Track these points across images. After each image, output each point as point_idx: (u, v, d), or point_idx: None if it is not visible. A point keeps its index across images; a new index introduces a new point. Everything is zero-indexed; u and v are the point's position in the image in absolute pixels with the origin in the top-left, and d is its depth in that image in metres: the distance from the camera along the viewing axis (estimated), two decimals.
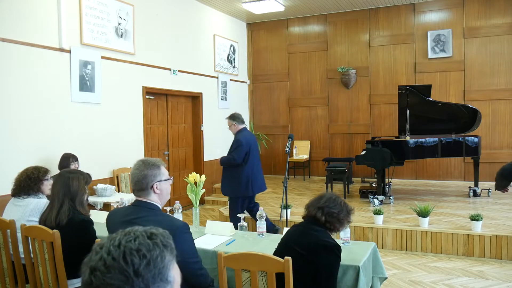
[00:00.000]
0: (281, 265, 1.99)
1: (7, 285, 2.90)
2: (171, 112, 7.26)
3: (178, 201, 3.54)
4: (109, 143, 5.69)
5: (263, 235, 3.14)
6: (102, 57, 5.50)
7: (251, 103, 9.87)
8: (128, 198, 4.49)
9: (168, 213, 2.55)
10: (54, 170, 4.24)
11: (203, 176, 3.55)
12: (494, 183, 3.69)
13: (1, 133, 4.30)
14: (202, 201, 7.65)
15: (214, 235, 3.20)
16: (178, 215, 3.42)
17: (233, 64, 9.11)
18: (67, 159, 4.61)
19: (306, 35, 9.36)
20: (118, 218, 2.20)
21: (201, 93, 7.86)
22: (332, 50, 9.12)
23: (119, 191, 5.62)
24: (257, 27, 9.74)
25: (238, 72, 9.35)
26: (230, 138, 8.93)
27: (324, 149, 9.24)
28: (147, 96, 6.48)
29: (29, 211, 2.98)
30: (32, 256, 2.70)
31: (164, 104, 7.07)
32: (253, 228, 5.04)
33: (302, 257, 2.22)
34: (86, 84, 5.26)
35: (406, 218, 5.39)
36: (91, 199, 4.77)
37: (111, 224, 2.26)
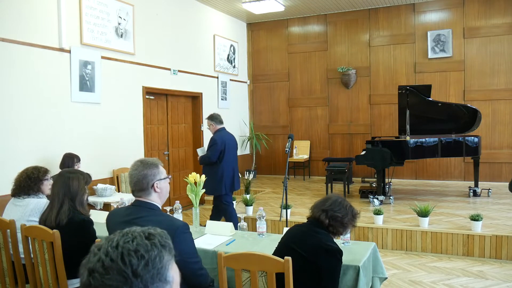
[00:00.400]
0: (281, 265, 1.99)
1: (7, 285, 2.90)
2: (171, 112, 7.26)
3: (178, 201, 3.54)
4: (109, 143, 5.69)
5: (263, 235, 3.14)
6: (102, 57, 5.50)
7: (251, 103, 9.87)
8: (128, 198, 4.49)
9: (168, 213, 2.55)
10: (55, 170, 4.24)
11: (203, 176, 3.55)
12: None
13: (1, 133, 4.30)
14: (202, 201, 7.64)
15: (214, 235, 3.20)
16: (178, 215, 3.42)
17: (233, 64, 9.11)
18: (71, 159, 4.59)
19: (306, 35, 9.36)
20: (118, 218, 2.20)
21: (201, 93, 7.86)
22: (332, 50, 9.12)
23: (119, 191, 5.62)
24: (257, 27, 9.75)
25: (238, 72, 9.35)
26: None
27: (324, 149, 9.25)
28: (147, 96, 6.48)
29: (29, 211, 2.98)
30: (32, 256, 2.70)
31: (164, 104, 7.07)
32: (253, 228, 5.04)
33: (303, 258, 2.20)
34: (86, 84, 5.26)
35: (406, 218, 5.39)
36: (91, 199, 4.76)
37: (111, 224, 2.26)
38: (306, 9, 8.80)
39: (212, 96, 8.27)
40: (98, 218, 3.25)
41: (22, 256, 2.80)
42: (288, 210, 5.18)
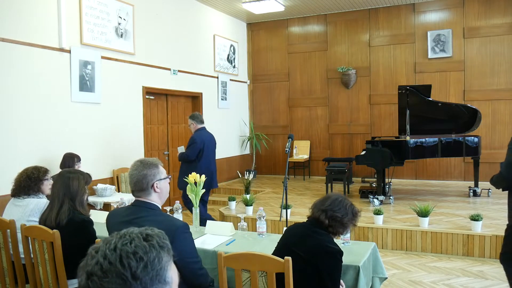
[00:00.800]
0: (281, 265, 1.99)
1: (7, 285, 2.90)
2: (171, 112, 7.26)
3: (178, 201, 3.55)
4: (109, 143, 5.69)
5: (263, 235, 3.14)
6: (102, 57, 5.50)
7: (251, 103, 9.87)
8: (128, 198, 4.49)
9: (168, 213, 2.55)
10: (55, 170, 4.24)
11: (203, 176, 3.55)
12: None
13: (1, 133, 4.30)
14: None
15: (214, 235, 3.20)
16: (178, 215, 3.42)
17: (233, 64, 9.11)
18: (71, 159, 4.59)
19: (306, 35, 9.36)
20: (118, 219, 2.20)
21: (201, 93, 7.86)
22: (332, 50, 9.12)
23: (119, 191, 5.62)
24: (257, 27, 9.74)
25: (238, 72, 9.35)
26: (230, 138, 8.97)
27: (324, 149, 9.24)
28: (147, 96, 6.48)
29: (29, 211, 2.98)
30: (32, 256, 2.70)
31: (164, 104, 7.07)
32: (253, 228, 5.04)
33: (302, 259, 2.18)
34: (86, 84, 5.26)
35: (406, 218, 5.39)
36: (91, 199, 4.76)
37: (111, 224, 2.26)
38: (306, 9, 8.79)
39: (212, 96, 8.27)
40: (98, 218, 3.25)
41: (22, 256, 2.80)
42: (288, 210, 5.18)
